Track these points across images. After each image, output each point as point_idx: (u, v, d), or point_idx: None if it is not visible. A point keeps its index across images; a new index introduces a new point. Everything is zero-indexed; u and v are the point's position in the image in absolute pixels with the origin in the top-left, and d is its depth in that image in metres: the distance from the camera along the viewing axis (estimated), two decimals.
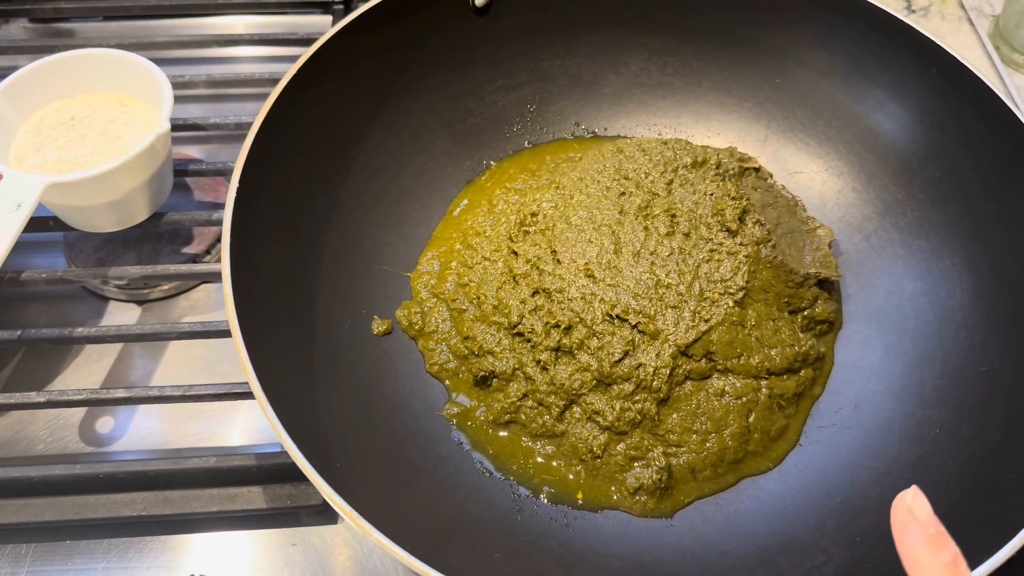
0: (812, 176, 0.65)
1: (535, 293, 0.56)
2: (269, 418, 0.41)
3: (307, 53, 0.54)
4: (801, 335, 0.56)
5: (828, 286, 0.59)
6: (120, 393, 0.56)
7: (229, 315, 0.44)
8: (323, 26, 0.83)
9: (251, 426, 0.62)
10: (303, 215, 0.55)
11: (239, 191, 0.48)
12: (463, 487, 0.51)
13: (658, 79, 0.68)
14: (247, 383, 0.57)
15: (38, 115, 0.63)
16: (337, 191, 0.58)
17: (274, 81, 0.74)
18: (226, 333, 0.59)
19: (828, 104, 0.64)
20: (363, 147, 0.60)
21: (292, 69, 0.53)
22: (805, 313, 0.57)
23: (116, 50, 0.63)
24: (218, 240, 0.69)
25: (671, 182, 0.60)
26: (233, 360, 0.65)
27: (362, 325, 0.57)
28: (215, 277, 0.63)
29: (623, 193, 0.59)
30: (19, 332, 0.58)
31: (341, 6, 0.80)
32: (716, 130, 0.67)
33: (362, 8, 0.57)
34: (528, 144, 0.68)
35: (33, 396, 0.55)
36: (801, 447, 0.54)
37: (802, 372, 0.55)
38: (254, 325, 0.45)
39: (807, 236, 0.60)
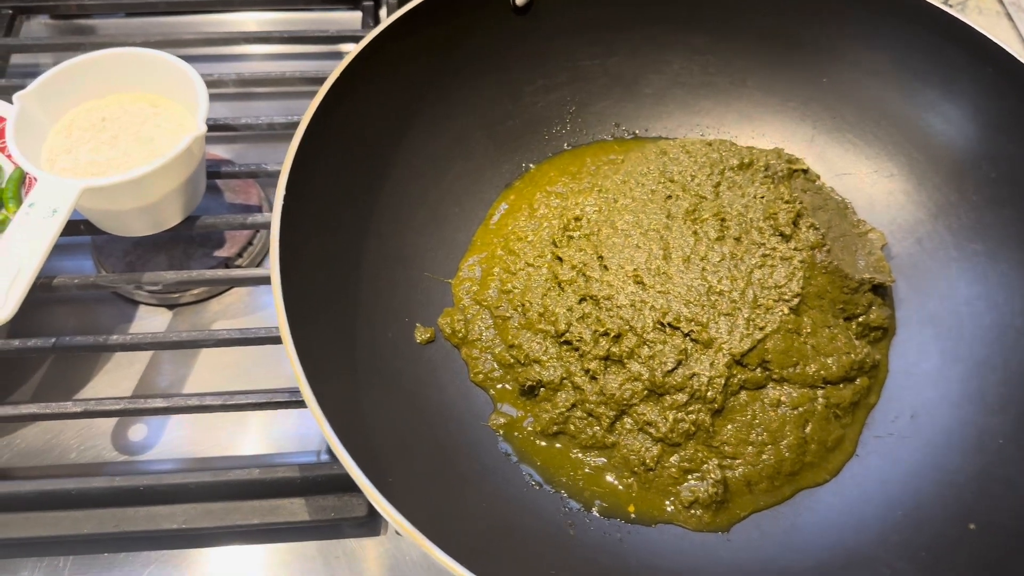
0: (860, 178, 0.63)
1: (582, 300, 0.54)
2: (326, 432, 0.40)
3: (350, 55, 0.53)
4: (856, 342, 0.54)
5: (881, 291, 0.57)
6: (158, 403, 0.54)
7: (281, 327, 0.42)
8: (352, 23, 0.81)
9: (287, 433, 0.60)
10: (345, 222, 0.54)
11: (286, 199, 0.46)
12: (513, 500, 0.50)
13: (700, 78, 0.66)
14: (286, 391, 0.56)
15: (68, 116, 0.61)
16: (376, 196, 0.57)
17: (305, 80, 0.73)
18: (263, 340, 0.58)
19: (877, 103, 0.63)
20: (403, 151, 0.58)
21: (335, 72, 0.52)
22: (859, 319, 0.55)
23: (148, 49, 0.61)
24: (249, 243, 0.68)
25: (718, 185, 0.59)
26: (267, 366, 0.64)
27: (405, 333, 0.56)
28: (251, 282, 0.62)
29: (669, 196, 0.58)
30: (53, 340, 0.56)
31: (371, 2, 0.79)
32: (761, 130, 0.66)
33: (403, 9, 0.56)
34: (567, 146, 0.66)
35: (69, 406, 0.54)
36: (858, 457, 0.53)
37: (858, 380, 0.54)
38: (304, 336, 0.44)
39: (859, 240, 0.59)
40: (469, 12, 0.59)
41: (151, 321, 0.67)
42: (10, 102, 0.66)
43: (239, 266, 0.67)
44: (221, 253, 0.67)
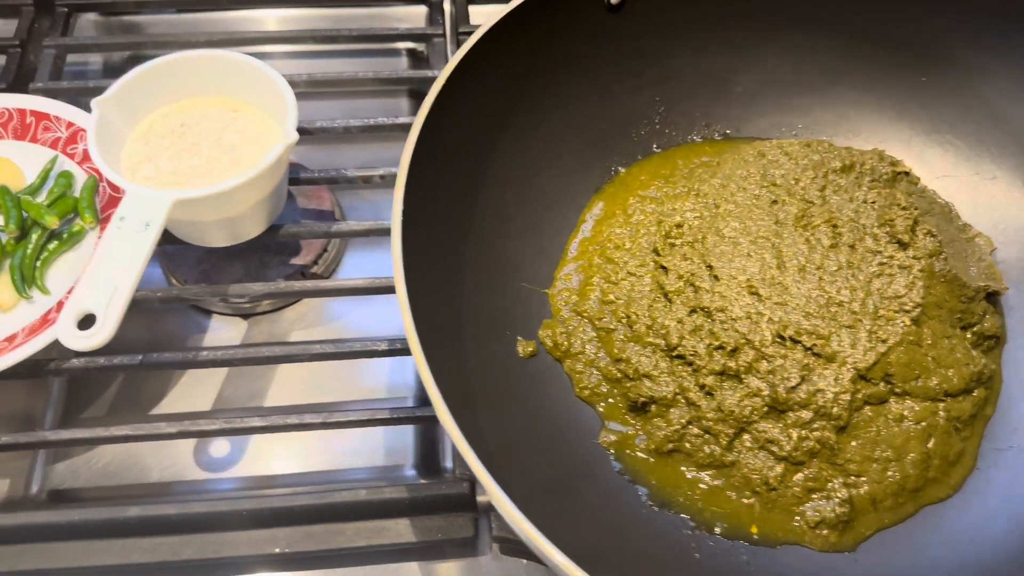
0: (961, 180, 0.61)
1: (692, 312, 0.53)
2: (470, 459, 0.38)
3: (455, 58, 0.50)
4: (974, 353, 0.53)
5: (992, 299, 0.56)
6: (255, 422, 0.52)
7: (413, 349, 0.41)
8: (417, 18, 0.79)
9: (370, 446, 0.59)
10: (449, 232, 0.52)
11: (404, 211, 0.44)
12: (634, 522, 0.48)
13: (793, 76, 0.64)
14: (384, 407, 0.55)
15: (146, 122, 0.59)
16: (475, 203, 0.55)
17: (378, 80, 0.70)
18: (358, 354, 0.56)
19: (979, 104, 0.61)
20: (498, 155, 0.56)
21: (442, 76, 0.49)
22: (975, 329, 0.54)
23: (228, 51, 0.59)
24: (324, 250, 0.66)
25: (824, 188, 0.57)
26: (346, 377, 0.62)
27: (508, 347, 0.54)
28: (339, 293, 0.60)
29: (775, 201, 0.56)
30: (140, 357, 0.54)
31: None
32: (856, 131, 0.64)
33: (504, 11, 0.53)
34: (656, 148, 0.64)
35: (163, 427, 0.52)
36: (979, 471, 0.51)
37: (976, 392, 0.52)
38: (432, 355, 0.42)
39: (968, 245, 0.57)
40: (564, 12, 0.57)
41: (226, 332, 0.65)
42: (77, 106, 0.64)
43: (315, 274, 0.65)
44: (297, 261, 0.65)
